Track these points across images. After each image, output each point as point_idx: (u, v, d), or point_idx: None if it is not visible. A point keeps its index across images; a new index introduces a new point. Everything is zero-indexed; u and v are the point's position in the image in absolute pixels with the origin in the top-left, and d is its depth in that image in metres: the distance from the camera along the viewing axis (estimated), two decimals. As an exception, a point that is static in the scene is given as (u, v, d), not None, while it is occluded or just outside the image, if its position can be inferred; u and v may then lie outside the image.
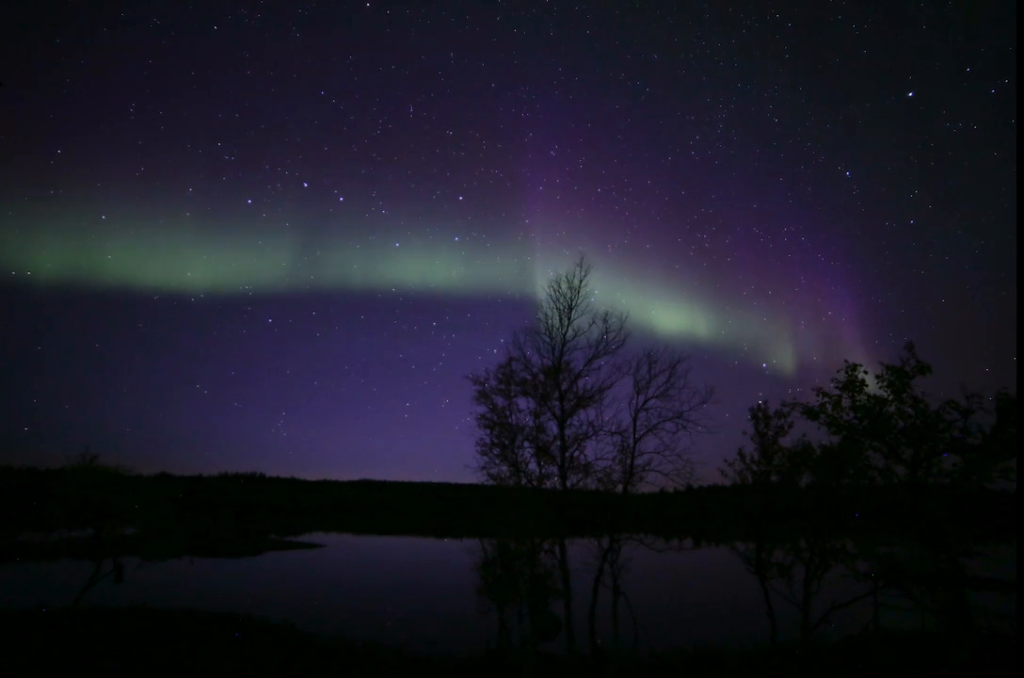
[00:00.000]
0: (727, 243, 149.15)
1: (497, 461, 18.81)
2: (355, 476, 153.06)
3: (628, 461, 18.80)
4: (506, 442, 18.81)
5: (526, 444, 18.89)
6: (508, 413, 19.16)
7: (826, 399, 16.74)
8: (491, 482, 18.85)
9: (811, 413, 16.96)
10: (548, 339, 19.21)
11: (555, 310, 19.33)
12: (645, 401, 19.00)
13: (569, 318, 19.23)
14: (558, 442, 18.70)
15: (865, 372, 16.47)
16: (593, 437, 18.82)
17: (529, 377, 19.15)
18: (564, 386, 18.94)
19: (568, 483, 18.56)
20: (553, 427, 18.91)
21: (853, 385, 16.38)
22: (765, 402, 18.87)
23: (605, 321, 19.23)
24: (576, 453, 18.68)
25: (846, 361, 16.70)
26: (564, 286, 19.42)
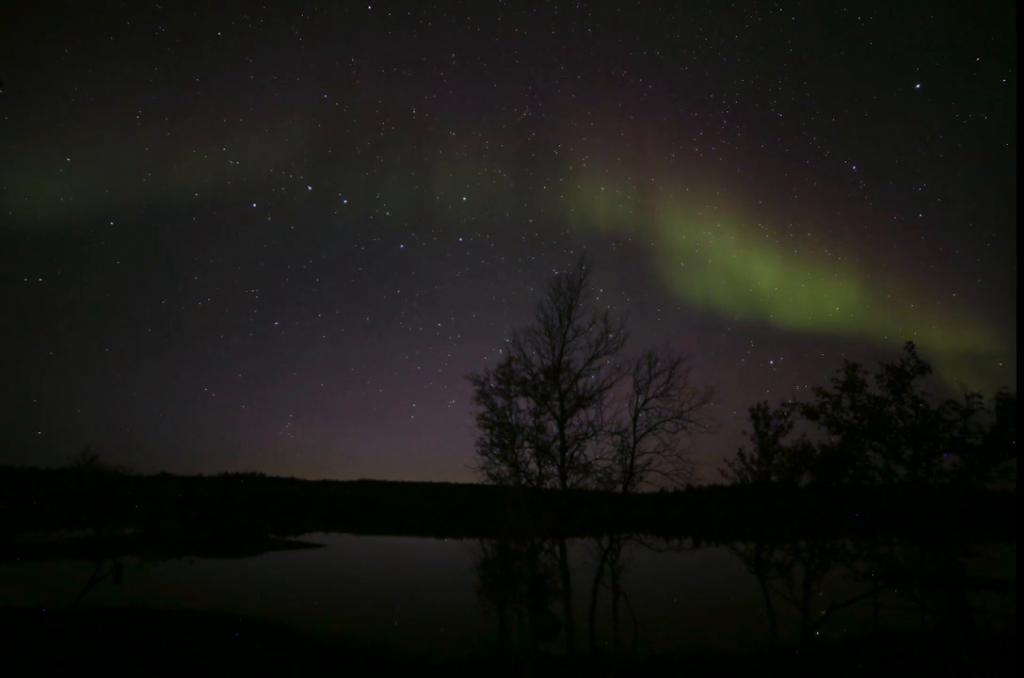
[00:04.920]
0: (731, 240, 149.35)
1: (497, 461, 18.80)
2: (361, 477, 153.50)
3: (628, 461, 18.78)
4: (506, 442, 18.80)
5: (526, 444, 18.88)
6: (508, 413, 19.15)
7: (826, 399, 16.71)
8: (491, 482, 18.83)
9: (811, 413, 16.94)
10: (548, 339, 19.19)
11: (555, 310, 19.31)
12: (645, 401, 18.98)
13: (569, 318, 19.20)
14: (558, 442, 18.68)
15: (865, 372, 16.45)
16: (593, 437, 18.80)
17: (529, 377, 19.14)
18: (564, 386, 18.91)
19: (568, 483, 18.54)
20: (553, 427, 18.89)
21: (853, 385, 16.36)
22: (765, 402, 18.88)
23: (605, 321, 19.21)
24: (576, 453, 18.67)
25: (846, 360, 16.69)
26: (564, 286, 19.40)
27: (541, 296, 19.75)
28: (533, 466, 18.77)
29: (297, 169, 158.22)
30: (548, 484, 18.71)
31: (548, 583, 18.13)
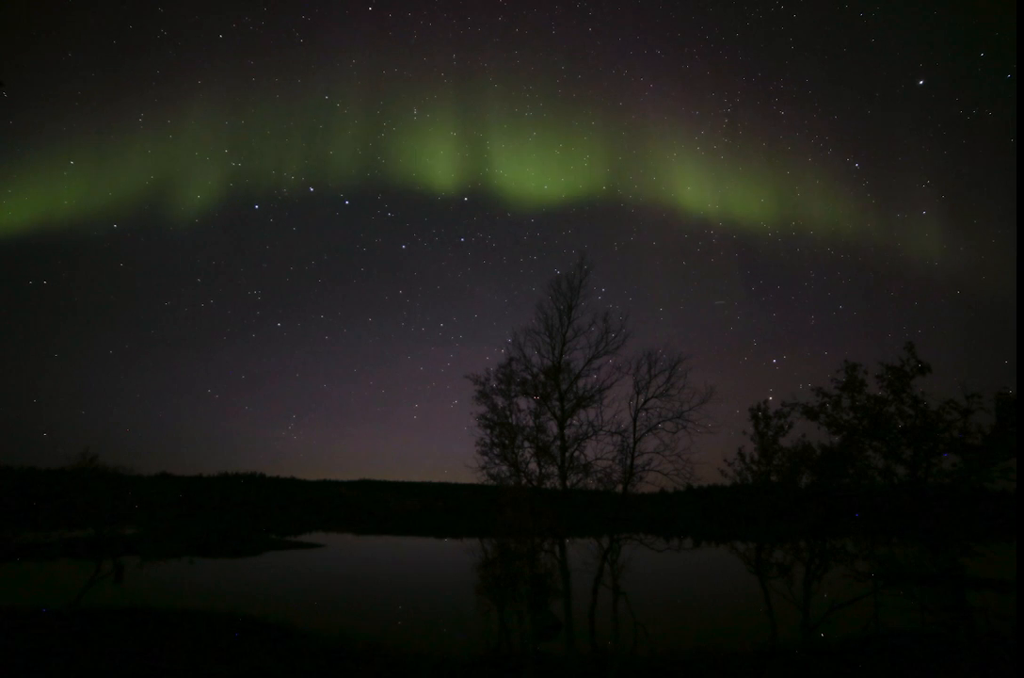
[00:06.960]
0: (734, 239, 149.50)
1: (497, 461, 18.80)
2: (361, 477, 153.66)
3: (628, 461, 18.77)
4: (506, 442, 18.80)
5: (526, 444, 18.88)
6: (508, 413, 19.14)
7: (826, 399, 16.72)
8: (491, 482, 18.84)
9: (811, 413, 16.94)
10: (548, 339, 19.19)
11: (555, 310, 19.30)
12: (645, 401, 18.97)
13: (569, 318, 19.20)
14: (558, 442, 18.68)
15: (865, 372, 16.45)
16: (593, 437, 18.79)
17: (529, 377, 19.14)
18: (564, 386, 18.91)
19: (568, 483, 18.53)
20: (553, 427, 18.89)
21: (853, 385, 16.36)
22: (766, 401, 18.88)
23: (605, 321, 19.19)
24: (576, 453, 18.66)
25: (846, 361, 16.69)
26: (564, 286, 19.39)
27: (542, 296, 19.73)
28: (533, 466, 18.77)
29: (298, 170, 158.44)
30: (548, 484, 18.70)
31: (548, 583, 18.13)
